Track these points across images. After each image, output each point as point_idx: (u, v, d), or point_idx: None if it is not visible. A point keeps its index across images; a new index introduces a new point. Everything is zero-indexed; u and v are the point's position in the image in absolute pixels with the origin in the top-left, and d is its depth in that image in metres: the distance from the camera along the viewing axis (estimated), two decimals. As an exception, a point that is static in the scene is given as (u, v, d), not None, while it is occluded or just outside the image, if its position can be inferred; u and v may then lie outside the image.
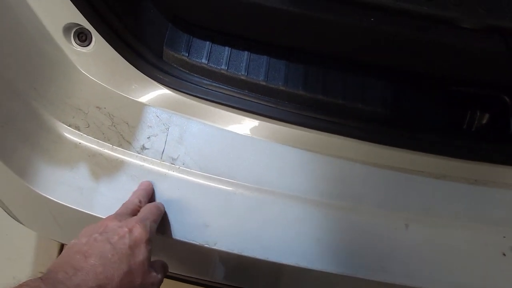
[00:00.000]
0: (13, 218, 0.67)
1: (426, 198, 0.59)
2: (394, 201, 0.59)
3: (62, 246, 1.11)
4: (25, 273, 1.08)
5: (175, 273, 0.65)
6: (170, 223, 0.55)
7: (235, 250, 0.55)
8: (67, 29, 0.55)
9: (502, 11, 0.57)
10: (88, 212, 0.54)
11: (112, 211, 0.53)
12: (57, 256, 0.70)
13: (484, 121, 0.65)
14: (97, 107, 0.58)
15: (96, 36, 0.55)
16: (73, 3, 0.50)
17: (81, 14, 0.52)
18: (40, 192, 0.53)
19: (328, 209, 0.57)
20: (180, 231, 0.55)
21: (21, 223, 0.68)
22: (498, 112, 0.63)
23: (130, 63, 0.57)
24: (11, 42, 0.51)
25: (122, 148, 0.57)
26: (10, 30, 0.51)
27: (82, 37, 0.56)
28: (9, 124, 0.51)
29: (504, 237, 0.58)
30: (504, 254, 0.58)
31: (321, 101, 0.59)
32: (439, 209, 0.59)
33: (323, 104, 0.59)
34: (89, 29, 0.54)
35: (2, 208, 0.65)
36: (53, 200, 0.54)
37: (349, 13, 0.56)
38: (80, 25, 0.54)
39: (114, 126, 0.58)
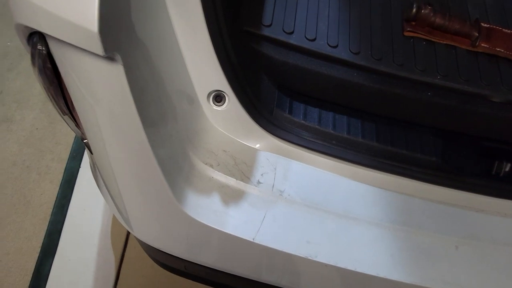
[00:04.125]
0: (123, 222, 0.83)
1: (470, 226, 0.78)
2: (446, 228, 0.77)
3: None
4: None
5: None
6: (281, 239, 0.72)
7: (331, 262, 0.72)
8: (210, 93, 0.75)
9: (520, 90, 0.80)
10: (222, 230, 0.71)
11: (238, 229, 0.71)
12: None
13: (508, 169, 0.85)
14: (224, 150, 0.77)
15: (230, 98, 0.75)
16: (224, 74, 0.70)
17: (227, 82, 0.72)
18: (188, 213, 0.70)
19: (397, 232, 0.75)
20: (289, 245, 0.72)
21: (131, 230, 0.84)
22: (517, 162, 0.84)
23: (251, 118, 0.76)
24: (177, 101, 0.71)
25: (243, 182, 0.76)
26: (178, 92, 0.71)
27: (218, 99, 0.76)
28: (174, 160, 0.69)
29: (530, 257, 0.77)
30: (531, 271, 0.76)
31: (390, 151, 0.79)
32: (480, 235, 0.77)
33: (391, 153, 0.79)
34: (227, 92, 0.75)
35: (122, 221, 0.82)
36: (197, 220, 0.71)
37: (412, 88, 0.78)
38: (220, 90, 0.75)
39: (237, 165, 0.77)
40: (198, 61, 0.71)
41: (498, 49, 0.82)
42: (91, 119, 0.65)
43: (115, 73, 0.54)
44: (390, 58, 0.80)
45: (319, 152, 0.78)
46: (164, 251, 0.84)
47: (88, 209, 1.55)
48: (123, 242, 1.49)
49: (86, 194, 1.57)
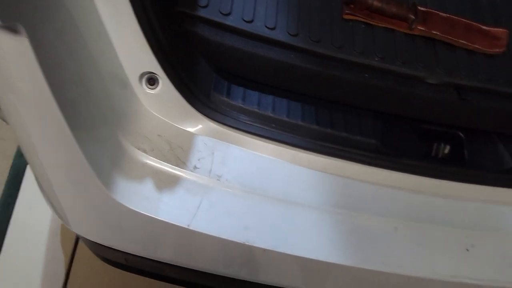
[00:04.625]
0: (61, 218, 0.79)
1: (409, 208, 0.78)
2: (385, 210, 0.77)
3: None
4: None
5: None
6: (218, 225, 0.70)
7: (270, 247, 0.70)
8: (141, 75, 0.72)
9: (454, 71, 0.81)
10: (154, 217, 0.69)
11: (172, 216, 0.68)
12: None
13: (447, 151, 0.86)
14: (159, 135, 0.74)
15: (163, 81, 0.72)
16: (154, 55, 0.68)
17: (158, 64, 0.69)
18: (118, 200, 0.67)
19: (337, 216, 0.75)
20: (226, 231, 0.70)
21: (68, 225, 0.79)
22: (456, 144, 0.85)
23: (187, 101, 0.74)
24: (103, 83, 0.68)
25: (179, 167, 0.73)
26: (105, 73, 0.67)
27: (151, 82, 0.73)
28: (101, 145, 0.66)
29: (467, 236, 0.78)
30: (468, 250, 0.77)
31: (329, 134, 0.79)
32: (419, 216, 0.78)
33: (331, 136, 0.78)
34: (159, 75, 0.72)
35: (54, 211, 0.78)
36: (127, 207, 0.68)
37: (349, 70, 0.77)
38: (152, 72, 0.72)
39: (172, 150, 0.74)
40: (125, 41, 0.67)
41: (434, 32, 0.83)
42: (5, 100, 0.60)
43: (21, 47, 0.50)
44: (329, 40, 0.79)
45: (259, 136, 0.77)
46: (100, 243, 0.81)
47: (36, 208, 1.47)
48: (73, 241, 1.43)
49: (34, 192, 1.49)
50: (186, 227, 0.69)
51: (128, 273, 1.08)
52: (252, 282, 0.83)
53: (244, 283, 0.84)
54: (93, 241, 0.82)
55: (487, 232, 0.78)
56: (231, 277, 0.82)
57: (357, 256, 0.73)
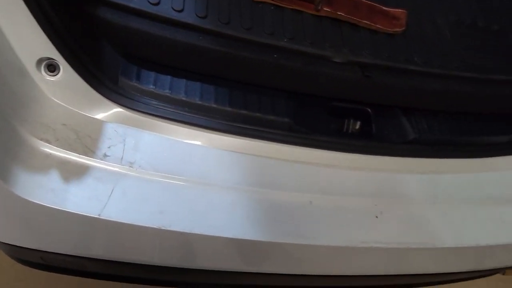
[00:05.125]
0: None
1: (323, 181, 0.82)
2: (300, 185, 0.80)
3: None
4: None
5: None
6: (131, 212, 0.69)
7: (187, 230, 0.71)
8: (39, 61, 0.68)
9: (359, 50, 0.85)
10: (61, 209, 0.66)
11: (81, 206, 0.66)
12: None
13: (357, 127, 0.91)
14: (63, 124, 0.71)
15: (64, 67, 0.69)
16: (49, 39, 0.64)
17: (55, 49, 0.66)
18: (19, 194, 0.63)
19: (254, 194, 0.76)
20: (140, 218, 0.69)
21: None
22: (365, 120, 0.90)
23: (92, 88, 0.71)
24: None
25: (87, 156, 0.70)
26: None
27: (51, 69, 0.69)
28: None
29: (376, 205, 0.83)
30: (377, 217, 0.83)
31: (243, 115, 0.80)
32: (332, 189, 0.82)
33: (244, 116, 0.80)
34: (59, 61, 0.68)
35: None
36: (30, 201, 0.64)
37: (259, 51, 0.79)
38: (51, 58, 0.68)
39: (79, 139, 0.71)
40: (16, 27, 0.63)
41: (339, 13, 0.87)
42: None
43: None
44: (238, 22, 0.80)
45: (172, 120, 0.76)
46: (9, 243, 0.76)
47: None
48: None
49: None
50: (97, 216, 0.67)
51: (58, 275, 1.03)
52: (181, 268, 0.83)
53: (174, 270, 0.84)
54: (2, 242, 0.77)
55: (394, 199, 0.84)
56: (157, 265, 0.81)
57: (274, 231, 0.75)
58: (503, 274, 1.62)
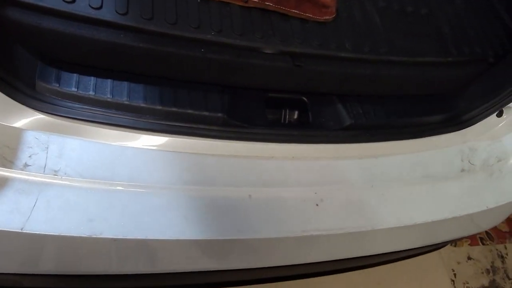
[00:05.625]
0: None
1: (262, 174, 0.81)
2: (238, 180, 0.79)
3: None
4: None
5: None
6: (57, 223, 0.66)
7: (120, 236, 0.68)
8: None
9: (289, 39, 0.85)
10: (-22, 226, 0.62)
11: (2, 222, 0.62)
12: None
13: (296, 116, 0.92)
14: (-24, 136, 0.66)
15: (-30, 74, 0.64)
16: None
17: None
18: None
19: (190, 192, 0.75)
20: (67, 228, 0.66)
21: None
22: (301, 109, 0.91)
23: (5, 95, 0.67)
24: None
25: (6, 167, 0.66)
26: None
27: (-44, 76, 0.64)
28: None
29: (316, 193, 0.84)
30: (317, 205, 0.83)
31: (174, 112, 0.78)
32: (271, 181, 0.82)
33: (176, 114, 0.78)
34: (-38, 68, 0.63)
35: None
36: None
37: (185, 47, 0.77)
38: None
39: (-4, 150, 0.67)
40: None
41: (267, 3, 0.85)
42: None
43: None
44: (162, 17, 0.77)
45: (98, 123, 0.73)
46: None
47: None
48: None
49: None
50: (20, 231, 0.63)
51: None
52: (119, 275, 0.80)
53: (112, 277, 0.81)
54: None
55: (333, 186, 0.85)
56: (94, 274, 0.78)
57: (213, 228, 0.74)
58: (454, 246, 1.71)
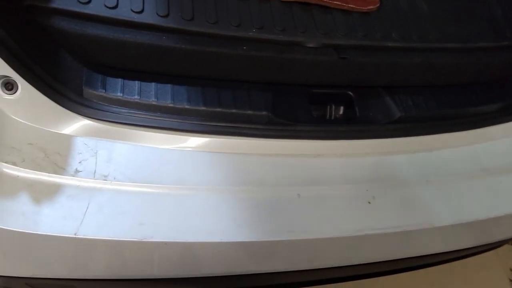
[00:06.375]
0: None
1: (309, 172, 0.78)
2: (286, 179, 0.77)
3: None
4: None
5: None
6: (109, 227, 0.66)
7: (170, 239, 0.67)
8: (-6, 81, 0.64)
9: (332, 32, 0.82)
10: (34, 232, 0.62)
11: (55, 227, 0.62)
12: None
13: (341, 112, 0.88)
14: (29, 143, 0.67)
15: (22, 84, 0.65)
16: (2, 58, 0.61)
17: (9, 67, 0.62)
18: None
19: (237, 194, 0.73)
20: (119, 232, 0.66)
21: None
22: (348, 104, 0.87)
23: (55, 102, 0.68)
24: None
25: (58, 174, 0.67)
26: None
27: (9, 87, 0.66)
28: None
29: (367, 190, 0.80)
30: (369, 202, 0.79)
31: (219, 113, 0.76)
32: (319, 179, 0.78)
33: (220, 114, 0.76)
34: (15, 78, 0.65)
35: None
36: (1, 228, 0.61)
37: (227, 45, 0.75)
38: (6, 76, 0.64)
39: (48, 157, 0.68)
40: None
41: (307, -4, 0.83)
42: None
43: None
44: (203, 17, 0.77)
45: (144, 127, 0.72)
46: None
47: None
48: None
49: None
50: (74, 236, 0.64)
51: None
52: (171, 278, 0.80)
53: (164, 281, 0.81)
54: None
55: (385, 183, 0.81)
56: (143, 278, 0.78)
57: (263, 230, 0.72)
58: (512, 244, 1.60)
